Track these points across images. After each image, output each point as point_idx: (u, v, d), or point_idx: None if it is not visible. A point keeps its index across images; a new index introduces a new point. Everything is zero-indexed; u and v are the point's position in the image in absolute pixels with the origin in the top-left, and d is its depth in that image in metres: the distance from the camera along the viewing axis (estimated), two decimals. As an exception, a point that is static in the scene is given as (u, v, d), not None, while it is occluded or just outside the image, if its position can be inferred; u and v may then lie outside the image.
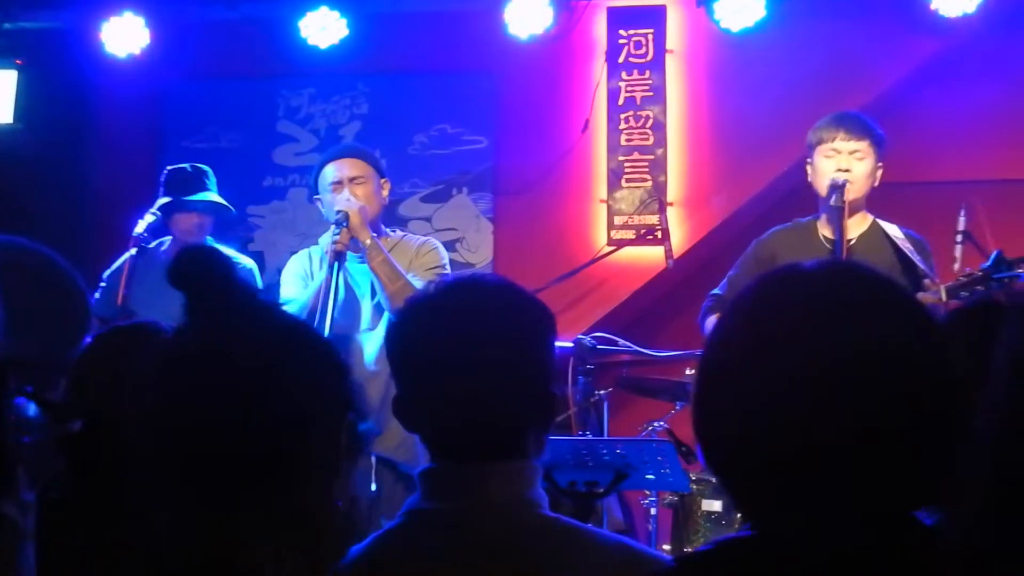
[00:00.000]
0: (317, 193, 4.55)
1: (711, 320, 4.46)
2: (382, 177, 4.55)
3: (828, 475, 1.31)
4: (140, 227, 4.95)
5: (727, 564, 1.39)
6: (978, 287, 4.01)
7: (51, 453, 1.71)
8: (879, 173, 4.35)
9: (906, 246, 4.29)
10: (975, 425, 0.99)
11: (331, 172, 4.48)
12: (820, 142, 4.33)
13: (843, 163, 4.27)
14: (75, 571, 1.92)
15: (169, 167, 5.32)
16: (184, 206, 5.13)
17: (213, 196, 5.21)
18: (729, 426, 1.38)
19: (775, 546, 1.35)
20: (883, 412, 1.31)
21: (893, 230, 4.37)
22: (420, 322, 1.93)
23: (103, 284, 5.13)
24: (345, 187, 4.43)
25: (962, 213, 4.61)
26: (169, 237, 5.20)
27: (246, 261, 5.27)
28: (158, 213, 5.04)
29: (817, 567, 1.32)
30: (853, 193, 4.27)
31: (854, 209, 4.31)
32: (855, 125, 4.34)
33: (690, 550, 4.72)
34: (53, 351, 1.78)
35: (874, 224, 4.41)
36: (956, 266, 4.42)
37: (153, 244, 5.11)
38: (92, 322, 1.89)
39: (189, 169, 5.24)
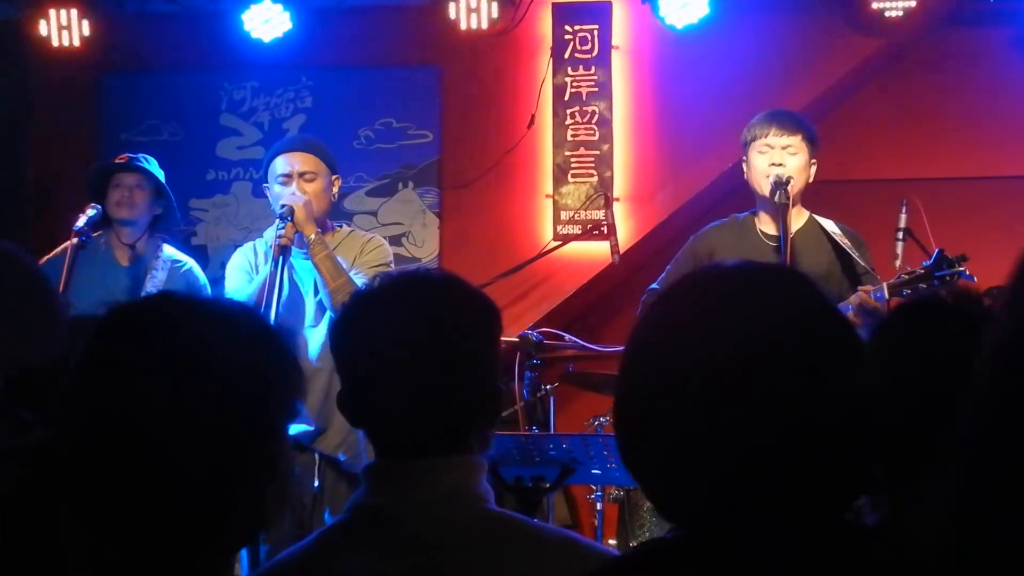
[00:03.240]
0: (267, 182, 4.51)
1: None
2: (334, 174, 4.52)
3: (742, 473, 1.31)
4: (81, 220, 4.88)
5: (653, 564, 1.39)
6: (920, 284, 4.05)
7: (11, 464, 1.65)
8: (813, 169, 4.39)
9: (844, 241, 4.34)
10: (955, 429, 0.99)
11: (282, 164, 4.43)
12: (754, 139, 4.37)
13: (776, 158, 4.31)
14: None
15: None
16: (110, 171, 5.01)
17: (151, 170, 5.07)
18: (645, 421, 1.37)
19: (700, 546, 1.34)
20: (797, 408, 1.30)
21: (830, 225, 4.41)
22: (365, 316, 1.92)
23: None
24: (294, 181, 4.39)
25: (902, 210, 4.65)
26: (110, 232, 5.11)
27: (187, 260, 5.19)
28: (98, 207, 4.96)
29: (743, 566, 1.31)
30: (794, 189, 4.30)
31: (793, 204, 4.35)
32: (787, 121, 4.39)
33: (635, 544, 4.74)
34: (19, 354, 1.71)
35: (811, 219, 4.44)
36: (897, 263, 4.46)
37: (95, 236, 5.03)
38: (61, 321, 1.81)
39: (138, 156, 5.15)
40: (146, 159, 5.15)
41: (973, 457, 0.86)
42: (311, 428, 4.23)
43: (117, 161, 5.10)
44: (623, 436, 1.40)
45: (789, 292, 1.39)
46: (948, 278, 4.00)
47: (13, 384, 1.68)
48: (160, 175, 5.13)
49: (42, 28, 6.49)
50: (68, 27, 6.48)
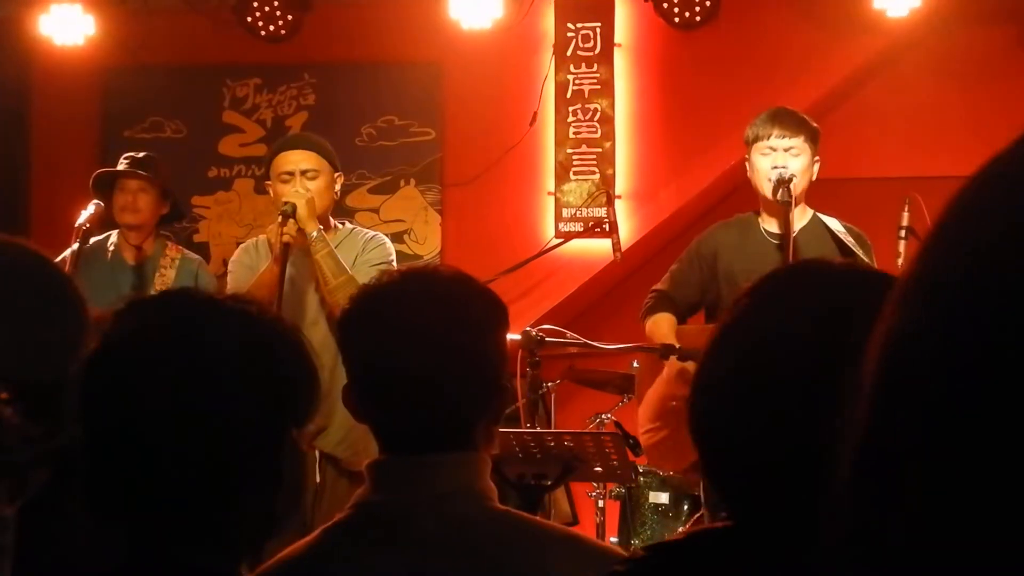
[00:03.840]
0: (269, 179, 4.51)
1: (655, 322, 4.47)
2: (336, 171, 4.52)
3: (809, 473, 1.30)
4: (82, 218, 4.87)
5: (699, 554, 1.39)
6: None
7: (34, 469, 1.64)
8: (816, 167, 4.37)
9: (847, 239, 4.33)
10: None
11: (284, 162, 4.43)
12: (756, 139, 4.34)
13: (779, 160, 4.28)
14: None
15: (126, 153, 5.23)
16: (115, 176, 5.01)
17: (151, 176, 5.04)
18: (719, 413, 1.38)
19: (751, 540, 1.35)
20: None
21: (834, 223, 4.41)
22: (374, 311, 1.91)
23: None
24: (296, 179, 4.39)
25: (905, 209, 4.65)
26: (116, 231, 5.11)
27: (195, 257, 5.19)
28: (99, 203, 4.95)
29: (793, 564, 1.31)
30: (796, 189, 4.29)
31: (795, 204, 4.34)
32: (789, 121, 4.35)
33: (636, 543, 4.74)
34: (48, 363, 1.68)
35: (814, 218, 4.44)
36: (899, 261, 4.46)
37: (101, 236, 5.02)
38: (87, 327, 1.77)
39: (140, 155, 5.14)
40: (150, 158, 5.13)
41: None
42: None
43: (121, 164, 5.08)
44: (701, 418, 1.40)
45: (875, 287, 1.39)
46: None
47: (37, 391, 1.66)
48: (165, 172, 5.11)
49: (45, 25, 6.48)
50: (71, 24, 6.48)
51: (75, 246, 4.78)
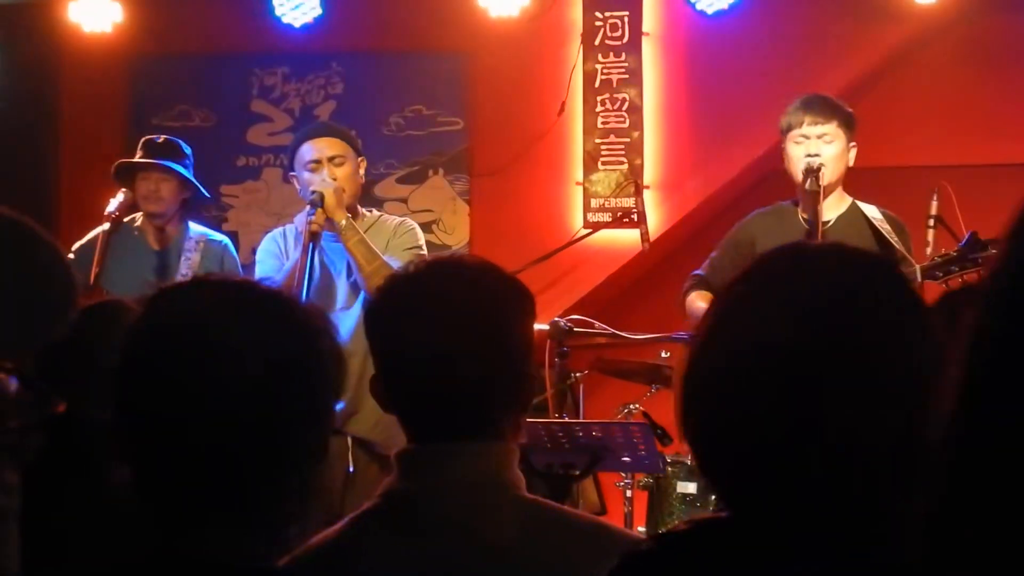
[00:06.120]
0: (293, 171, 4.52)
1: (692, 297, 4.47)
2: (359, 156, 4.53)
3: (808, 464, 1.29)
4: (112, 204, 4.90)
5: (701, 544, 1.38)
6: (953, 267, 4.03)
7: (35, 435, 1.69)
8: (852, 152, 4.35)
9: (884, 227, 4.30)
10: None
11: (309, 151, 4.44)
12: (789, 128, 4.32)
13: (812, 148, 4.26)
14: (58, 552, 1.92)
15: (145, 136, 5.26)
16: (136, 168, 5.03)
17: (176, 167, 5.06)
18: (712, 404, 1.36)
19: (750, 529, 1.34)
20: (875, 405, 1.28)
21: (872, 211, 4.38)
22: (401, 301, 1.92)
23: (71, 257, 5.06)
24: (324, 167, 4.40)
25: (934, 198, 4.62)
26: (140, 213, 5.14)
27: (220, 236, 5.22)
28: (129, 192, 4.98)
29: (790, 554, 1.31)
30: (827, 176, 4.27)
31: (829, 191, 4.31)
32: (821, 108, 4.32)
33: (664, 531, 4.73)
34: (37, 329, 1.74)
35: (853, 205, 4.41)
36: (928, 250, 4.44)
37: (126, 220, 5.05)
38: (76, 295, 1.83)
39: (159, 139, 5.15)
40: (170, 142, 5.14)
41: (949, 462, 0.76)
42: (342, 405, 4.23)
43: (140, 151, 5.10)
44: (690, 412, 1.39)
45: (881, 283, 1.38)
46: (981, 259, 3.97)
47: (36, 358, 1.71)
48: (186, 156, 5.12)
49: (73, 13, 6.51)
50: (99, 11, 6.51)
51: (102, 232, 4.81)
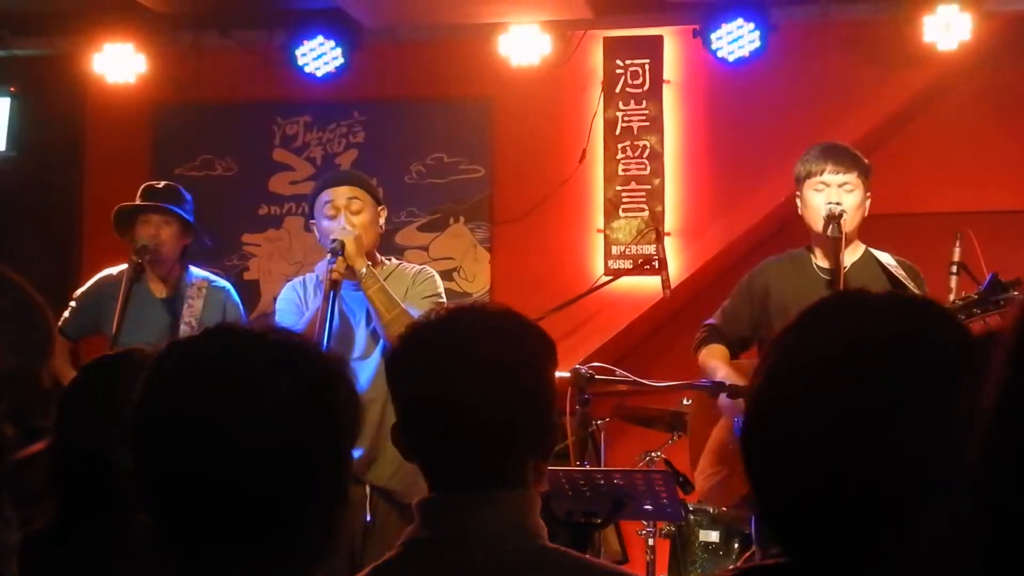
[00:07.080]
0: (313, 218, 4.54)
1: (704, 356, 4.44)
2: (379, 205, 4.54)
3: (869, 511, 1.29)
4: (134, 255, 4.90)
5: None
6: (975, 309, 4.01)
7: (32, 470, 1.71)
8: (868, 203, 4.34)
9: (899, 273, 4.29)
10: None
11: (327, 198, 4.45)
12: (808, 175, 4.30)
13: (833, 196, 4.24)
14: None
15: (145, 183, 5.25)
16: (136, 211, 5.01)
17: (176, 210, 5.03)
18: (772, 452, 1.36)
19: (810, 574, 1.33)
20: (935, 453, 1.27)
21: (886, 258, 4.37)
22: (422, 349, 1.91)
23: (72, 304, 5.09)
24: (342, 214, 4.41)
25: (956, 244, 4.60)
26: None
27: (221, 282, 5.19)
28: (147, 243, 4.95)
29: None
30: (847, 225, 4.25)
31: (849, 240, 4.30)
32: (843, 157, 4.30)
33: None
34: (22, 364, 1.78)
35: (867, 252, 4.40)
36: (951, 297, 4.41)
37: (121, 269, 5.03)
38: (54, 335, 1.94)
39: (159, 185, 5.14)
40: (171, 187, 5.14)
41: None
42: (361, 453, 4.22)
43: (140, 196, 5.10)
44: (754, 458, 1.38)
45: (936, 324, 1.38)
46: (1003, 301, 3.94)
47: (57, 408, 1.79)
48: (187, 201, 5.10)
49: (97, 63, 6.57)
50: (123, 62, 6.56)
51: (125, 279, 4.81)
